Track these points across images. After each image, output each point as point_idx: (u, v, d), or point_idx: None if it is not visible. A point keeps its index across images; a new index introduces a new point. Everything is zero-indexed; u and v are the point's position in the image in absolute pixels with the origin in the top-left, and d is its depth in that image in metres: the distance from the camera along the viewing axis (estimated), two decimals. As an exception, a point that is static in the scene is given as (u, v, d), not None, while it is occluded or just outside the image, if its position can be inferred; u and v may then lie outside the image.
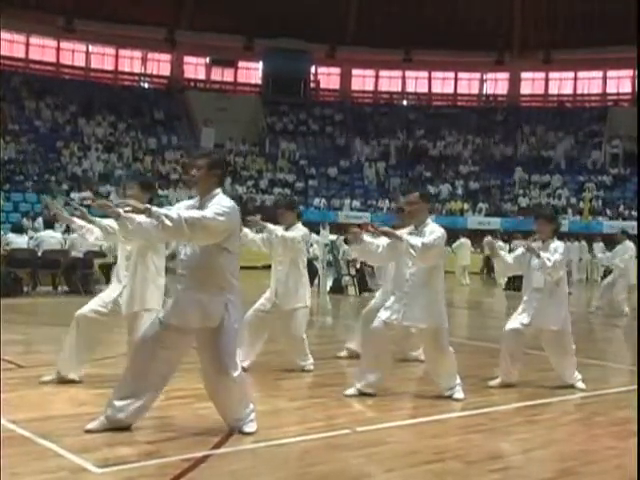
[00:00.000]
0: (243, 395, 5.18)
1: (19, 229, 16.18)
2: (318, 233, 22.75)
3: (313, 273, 17.69)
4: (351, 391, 6.43)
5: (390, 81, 42.49)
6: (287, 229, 7.48)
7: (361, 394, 6.38)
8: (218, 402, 5.16)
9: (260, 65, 40.82)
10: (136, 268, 6.17)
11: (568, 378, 7.19)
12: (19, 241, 15.17)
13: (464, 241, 24.23)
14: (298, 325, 7.48)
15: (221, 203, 4.95)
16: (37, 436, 4.90)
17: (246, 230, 7.28)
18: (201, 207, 4.98)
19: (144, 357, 5.02)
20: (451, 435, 5.50)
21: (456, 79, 42.02)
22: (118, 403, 5.00)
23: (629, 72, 38.60)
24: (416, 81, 42.16)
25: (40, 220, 21.90)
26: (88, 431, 4.95)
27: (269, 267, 7.70)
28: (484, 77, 41.87)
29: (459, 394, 6.48)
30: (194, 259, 4.97)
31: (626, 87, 39.61)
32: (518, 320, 7.09)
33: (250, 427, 5.16)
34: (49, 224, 16.82)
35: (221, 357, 4.98)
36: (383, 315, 6.41)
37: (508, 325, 7.13)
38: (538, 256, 6.91)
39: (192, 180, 5.09)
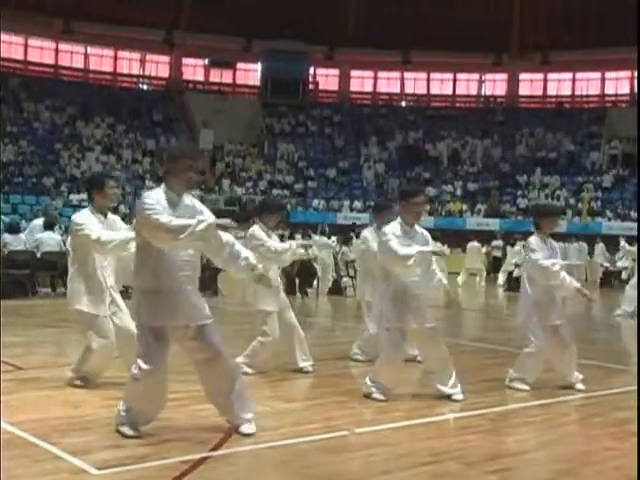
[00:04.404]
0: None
1: (14, 229, 16.05)
2: (323, 234, 22.82)
3: (312, 274, 17.72)
4: None
5: (389, 82, 42.53)
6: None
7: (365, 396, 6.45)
8: (227, 389, 5.14)
9: (259, 66, 40.85)
10: None
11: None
12: (15, 241, 15.13)
13: (475, 244, 24.09)
14: None
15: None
16: (36, 438, 4.90)
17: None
18: (178, 205, 5.03)
19: (164, 367, 5.05)
20: (449, 436, 5.51)
21: (455, 80, 42.05)
22: (144, 407, 5.08)
23: (627, 73, 38.66)
24: (415, 82, 42.20)
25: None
26: (134, 437, 4.98)
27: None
28: (482, 78, 41.92)
29: (458, 395, 6.49)
30: (194, 259, 5.09)
31: (624, 88, 39.64)
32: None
33: (249, 428, 5.17)
34: (49, 226, 16.76)
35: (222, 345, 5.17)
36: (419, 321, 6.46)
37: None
38: None
39: (192, 183, 5.13)
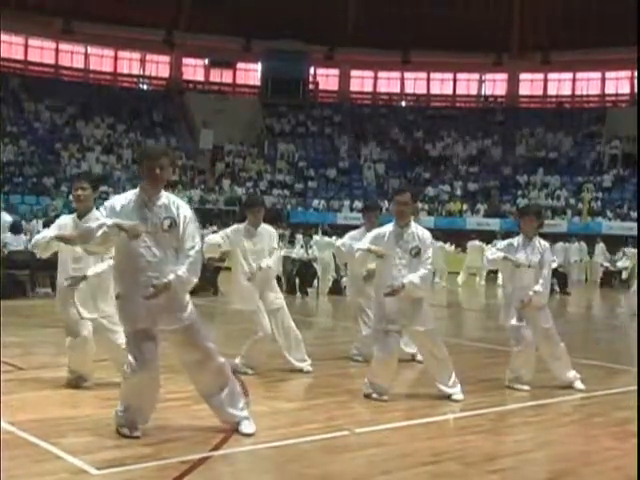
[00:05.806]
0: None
1: (17, 229, 16.02)
2: (325, 234, 22.79)
3: (312, 274, 17.71)
4: None
5: (389, 82, 42.53)
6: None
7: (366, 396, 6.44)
8: (217, 389, 5.15)
9: (259, 66, 40.86)
10: None
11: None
12: (16, 242, 15.11)
13: (477, 243, 24.03)
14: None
15: None
16: (36, 438, 4.90)
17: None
18: (150, 205, 4.99)
19: (154, 363, 5.03)
20: (449, 436, 5.51)
21: (455, 80, 42.06)
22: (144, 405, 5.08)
23: (627, 73, 38.68)
24: (415, 82, 42.20)
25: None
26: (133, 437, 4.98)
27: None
28: (483, 78, 41.92)
29: (458, 395, 6.48)
30: (159, 259, 4.94)
31: (624, 88, 39.65)
32: None
33: (248, 427, 5.16)
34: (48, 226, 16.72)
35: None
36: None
37: None
38: None
39: (159, 181, 4.97)
